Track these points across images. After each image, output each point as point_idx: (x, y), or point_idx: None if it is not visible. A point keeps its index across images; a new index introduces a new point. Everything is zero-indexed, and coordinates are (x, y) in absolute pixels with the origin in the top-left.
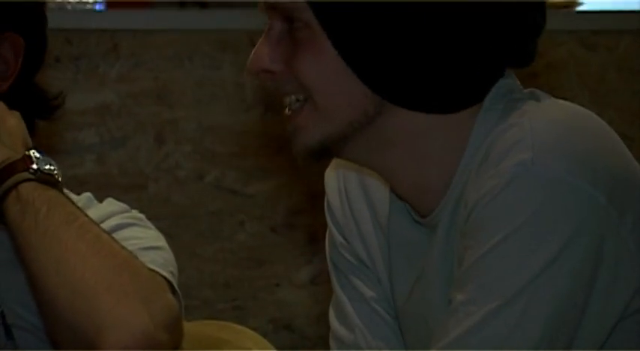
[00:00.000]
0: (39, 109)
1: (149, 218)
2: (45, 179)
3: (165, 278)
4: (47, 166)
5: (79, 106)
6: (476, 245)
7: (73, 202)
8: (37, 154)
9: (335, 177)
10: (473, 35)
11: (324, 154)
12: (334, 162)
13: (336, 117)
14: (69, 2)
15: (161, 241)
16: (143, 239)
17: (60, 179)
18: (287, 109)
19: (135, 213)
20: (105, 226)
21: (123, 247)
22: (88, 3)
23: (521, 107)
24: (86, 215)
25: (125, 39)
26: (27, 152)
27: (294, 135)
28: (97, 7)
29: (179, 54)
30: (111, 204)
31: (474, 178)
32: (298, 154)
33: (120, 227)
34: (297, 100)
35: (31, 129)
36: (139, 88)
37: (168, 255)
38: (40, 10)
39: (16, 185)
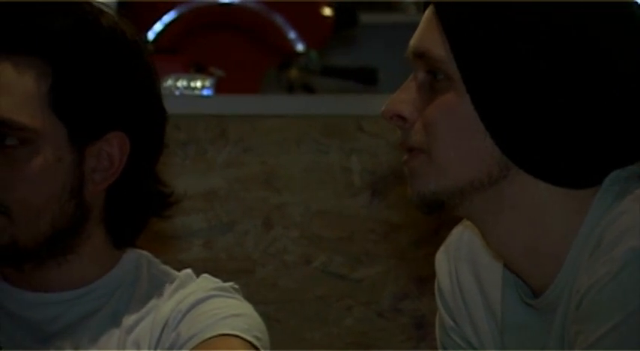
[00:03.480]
0: (153, 207)
1: (256, 303)
2: None
3: (249, 342)
4: None
5: (187, 191)
6: (587, 331)
7: None
8: None
9: (446, 260)
10: (613, 117)
11: (437, 206)
12: (446, 242)
13: (455, 172)
14: (177, 88)
15: (242, 309)
16: (223, 309)
17: None
18: (406, 155)
19: (224, 284)
20: (184, 303)
21: None
22: (196, 88)
23: (633, 192)
24: None
25: (233, 124)
26: None
27: (409, 180)
28: (205, 92)
29: (287, 139)
30: (203, 280)
31: (587, 263)
32: (412, 200)
33: (198, 302)
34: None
35: (144, 224)
36: (247, 173)
37: (252, 321)
38: (156, 112)
39: None
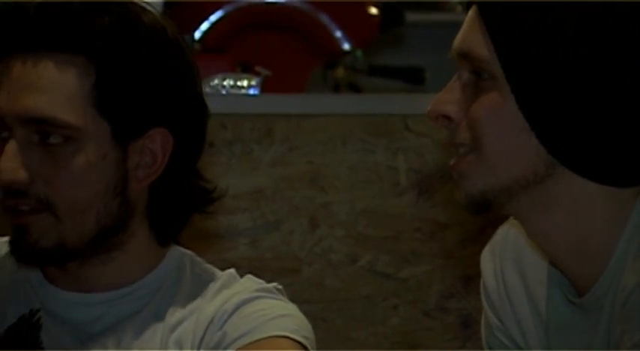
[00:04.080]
0: (196, 203)
1: (302, 302)
2: None
3: (299, 343)
4: None
5: (233, 190)
6: (633, 330)
7: None
8: None
9: (491, 259)
10: None
11: (485, 206)
12: (491, 242)
13: (501, 171)
14: (224, 87)
15: (289, 310)
16: (270, 310)
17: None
18: (454, 158)
19: (267, 285)
20: (230, 303)
21: None
22: (242, 88)
23: None
24: None
25: (279, 123)
26: None
27: (457, 182)
28: (252, 91)
29: (333, 138)
30: (247, 280)
31: (632, 263)
32: (460, 202)
33: (245, 302)
34: (465, 147)
35: (187, 220)
36: (293, 172)
37: (299, 321)
38: (198, 108)
39: None
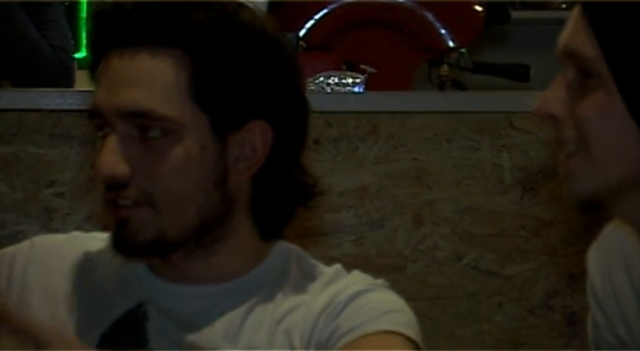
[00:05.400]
0: (299, 197)
1: (406, 299)
2: None
3: (410, 339)
4: None
5: (338, 187)
6: None
7: None
8: None
9: (597, 257)
10: None
11: (594, 206)
12: (597, 240)
13: (610, 170)
14: (328, 85)
15: (401, 305)
16: (383, 304)
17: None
18: (562, 155)
19: (377, 280)
20: (344, 295)
21: None
22: (347, 85)
23: None
24: None
25: (384, 121)
26: None
27: (566, 181)
28: (357, 89)
29: (437, 135)
30: (355, 275)
31: None
32: (569, 201)
33: (359, 294)
34: (571, 146)
35: (291, 214)
36: (398, 169)
37: (411, 317)
38: (297, 101)
39: None
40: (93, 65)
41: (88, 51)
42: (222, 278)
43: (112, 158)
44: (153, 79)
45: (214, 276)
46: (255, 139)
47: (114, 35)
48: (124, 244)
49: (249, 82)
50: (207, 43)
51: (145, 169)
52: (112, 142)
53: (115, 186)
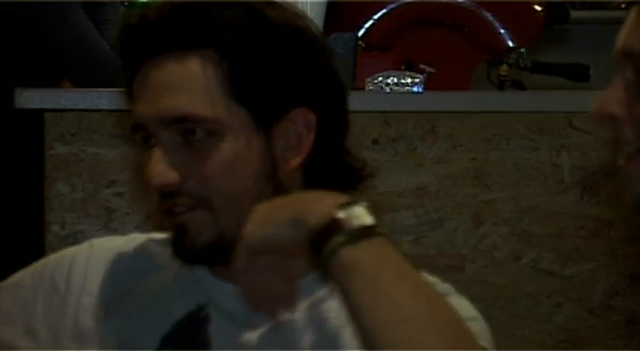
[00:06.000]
0: (349, 180)
1: None
2: (363, 235)
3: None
4: (363, 220)
5: (397, 187)
6: None
7: (399, 257)
8: (351, 210)
9: None
10: None
11: None
12: None
13: None
14: (387, 84)
15: (475, 313)
16: (461, 310)
17: (379, 230)
18: (622, 158)
19: (444, 283)
20: None
21: (454, 310)
22: (406, 85)
23: None
24: (416, 271)
25: (443, 120)
26: (339, 212)
27: (626, 183)
28: (415, 89)
29: (496, 135)
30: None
31: None
32: (629, 204)
33: None
34: (630, 147)
35: None
36: (457, 169)
37: (483, 325)
38: (334, 85)
39: (333, 252)
40: (128, 82)
41: (121, 68)
42: None
43: (161, 167)
44: (188, 83)
45: None
46: (298, 127)
47: (143, 48)
48: (184, 250)
49: (283, 71)
50: (236, 39)
51: (194, 173)
52: (158, 152)
53: (168, 194)
